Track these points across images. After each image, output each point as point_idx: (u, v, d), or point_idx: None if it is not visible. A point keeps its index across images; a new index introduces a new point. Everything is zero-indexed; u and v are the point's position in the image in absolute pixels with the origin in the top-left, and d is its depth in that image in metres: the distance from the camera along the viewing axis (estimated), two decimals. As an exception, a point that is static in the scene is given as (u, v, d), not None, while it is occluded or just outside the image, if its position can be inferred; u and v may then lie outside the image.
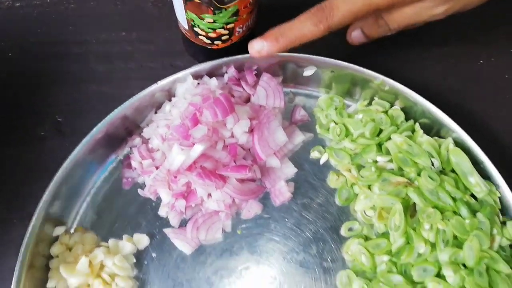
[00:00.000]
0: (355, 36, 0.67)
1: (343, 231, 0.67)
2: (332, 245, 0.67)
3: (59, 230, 0.62)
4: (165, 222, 0.67)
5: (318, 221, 0.68)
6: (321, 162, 0.71)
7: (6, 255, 0.66)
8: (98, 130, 0.66)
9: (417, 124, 0.69)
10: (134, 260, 0.64)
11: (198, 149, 0.61)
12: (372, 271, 0.63)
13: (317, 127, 0.73)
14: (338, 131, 0.71)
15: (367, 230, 0.66)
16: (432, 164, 0.64)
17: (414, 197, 0.61)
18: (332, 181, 0.70)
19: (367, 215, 0.67)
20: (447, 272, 0.56)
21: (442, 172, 0.64)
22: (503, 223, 0.61)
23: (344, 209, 0.69)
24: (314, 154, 0.71)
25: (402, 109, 0.71)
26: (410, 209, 0.63)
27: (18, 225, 0.67)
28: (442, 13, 0.61)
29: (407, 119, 0.70)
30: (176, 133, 0.63)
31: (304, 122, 0.73)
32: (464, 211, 0.59)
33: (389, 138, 0.68)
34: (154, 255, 0.65)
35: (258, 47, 0.61)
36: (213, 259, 0.66)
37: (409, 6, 0.60)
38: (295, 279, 0.65)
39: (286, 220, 0.68)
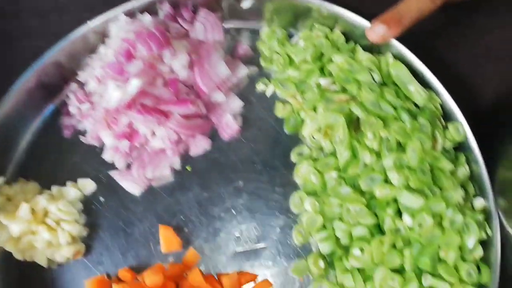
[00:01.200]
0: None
1: (293, 157, 0.67)
2: (284, 172, 0.67)
3: (-2, 181, 0.60)
4: (112, 166, 0.65)
5: (268, 150, 0.68)
6: (268, 94, 0.70)
7: None
8: (29, 78, 0.63)
9: (357, 45, 0.69)
10: (81, 206, 0.63)
11: (134, 83, 0.60)
12: (322, 189, 0.63)
13: (261, 60, 0.72)
14: (281, 61, 0.70)
15: (316, 153, 0.66)
16: (373, 79, 0.64)
17: (356, 110, 0.61)
18: (279, 110, 0.69)
19: (315, 139, 0.67)
20: (392, 175, 0.57)
21: (383, 85, 0.65)
22: (446, 128, 0.62)
23: (293, 137, 0.69)
24: (260, 86, 0.71)
25: (343, 33, 0.71)
26: (354, 124, 0.63)
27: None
28: None
29: (348, 42, 0.70)
30: (110, 70, 0.61)
31: (248, 57, 0.72)
32: (405, 116, 0.59)
33: (331, 61, 0.68)
34: (102, 199, 0.64)
35: (380, 31, 0.61)
36: (163, 197, 0.64)
37: None
38: (249, 207, 0.64)
39: (236, 153, 0.67)
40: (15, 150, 0.65)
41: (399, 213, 0.58)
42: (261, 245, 0.63)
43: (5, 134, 0.63)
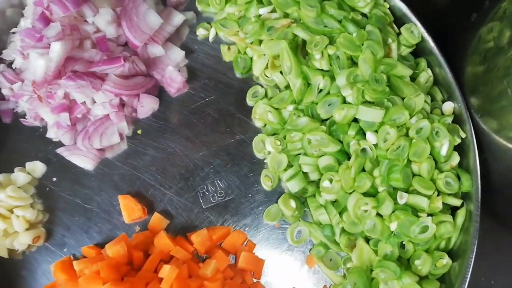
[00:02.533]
0: None
1: (248, 99, 0.62)
2: (242, 117, 0.62)
3: None
4: (59, 144, 0.61)
5: (221, 98, 0.63)
6: (210, 38, 0.65)
7: None
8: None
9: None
10: (34, 190, 0.59)
11: (55, 47, 0.55)
12: (281, 126, 0.58)
13: (196, 4, 0.67)
14: (217, 0, 0.65)
15: (271, 91, 0.62)
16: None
17: (299, 32, 0.56)
18: (225, 54, 0.64)
19: (267, 76, 0.62)
20: (345, 92, 0.52)
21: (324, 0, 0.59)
22: (400, 34, 0.57)
23: (245, 80, 0.64)
24: (200, 32, 0.65)
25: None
26: (300, 49, 0.58)
27: None
28: None
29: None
30: (28, 38, 0.56)
31: (183, 4, 0.67)
32: (350, 27, 0.54)
33: (268, -12, 0.62)
34: (54, 179, 0.60)
35: None
36: (118, 167, 0.60)
37: None
38: (210, 162, 0.60)
39: (188, 107, 0.63)
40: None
41: (363, 134, 0.54)
42: (228, 197, 0.59)
43: None
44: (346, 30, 0.54)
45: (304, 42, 0.58)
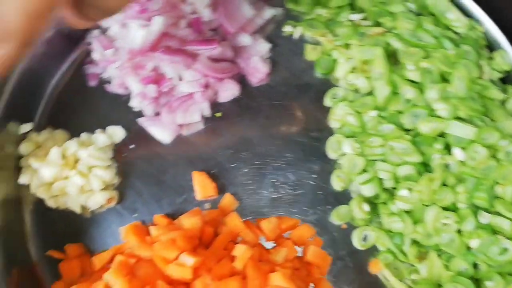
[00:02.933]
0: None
1: (328, 100, 0.64)
2: (318, 116, 0.64)
3: (26, 127, 0.58)
4: (139, 114, 0.63)
5: (300, 94, 0.65)
6: (296, 36, 0.67)
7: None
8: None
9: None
10: (111, 154, 0.61)
11: (157, 21, 0.57)
12: (361, 130, 0.60)
13: (286, 1, 0.69)
14: (308, 1, 0.67)
15: (351, 95, 0.63)
16: (409, 10, 0.61)
17: (394, 42, 0.58)
18: (309, 53, 0.66)
19: (349, 80, 0.64)
20: (439, 105, 0.53)
21: (419, 15, 0.61)
22: (492, 59, 0.59)
23: (324, 80, 0.65)
24: (287, 29, 0.67)
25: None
26: (391, 58, 0.60)
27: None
28: None
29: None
30: (132, 10, 0.58)
31: (272, -1, 0.69)
32: (447, 43, 0.55)
33: (362, -4, 0.65)
34: (132, 146, 0.62)
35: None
36: (195, 144, 0.62)
37: None
38: (283, 153, 0.62)
39: (267, 98, 0.64)
40: (41, 100, 0.62)
41: (447, 148, 0.55)
42: (298, 191, 0.60)
43: (31, 84, 0.61)
44: (442, 46, 0.56)
45: (394, 51, 0.60)
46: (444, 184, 0.53)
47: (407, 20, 0.57)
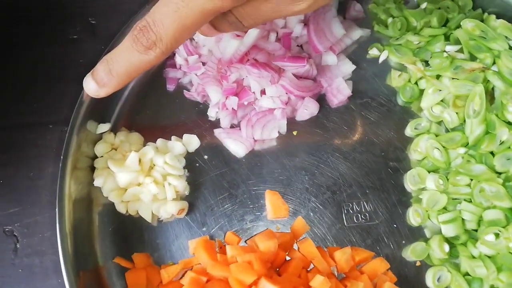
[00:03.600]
0: (204, 29, 0.49)
1: (409, 130, 0.61)
2: (398, 145, 0.61)
3: (103, 128, 0.57)
4: (215, 124, 0.62)
5: (381, 120, 0.62)
6: (381, 60, 0.65)
7: (44, 159, 0.61)
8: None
9: (485, 13, 0.63)
10: (185, 162, 0.59)
11: (253, 33, 0.55)
12: (446, 167, 0.57)
13: (374, 24, 0.66)
14: (398, 25, 0.64)
15: (435, 127, 0.61)
16: (510, 48, 0.58)
17: (494, 80, 0.55)
18: (393, 79, 0.64)
19: (434, 112, 0.61)
20: (539, 152, 0.51)
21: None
22: None
23: (406, 109, 0.63)
24: (372, 51, 0.65)
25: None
26: (488, 96, 0.57)
27: (53, 130, 0.62)
28: (305, 9, 0.46)
29: (474, 8, 0.64)
30: (227, 19, 0.57)
31: (360, 19, 0.67)
32: (553, 89, 0.53)
33: (458, 26, 0.62)
34: (206, 157, 0.60)
35: (92, 89, 0.46)
36: (268, 160, 0.60)
37: (263, 2, 0.44)
38: (359, 180, 0.60)
39: (345, 121, 0.62)
40: (119, 101, 0.61)
41: (541, 197, 0.52)
42: (372, 222, 0.58)
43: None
44: (546, 90, 0.53)
45: (491, 90, 0.57)
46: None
47: (510, 59, 0.54)
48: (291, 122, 0.62)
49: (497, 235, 0.52)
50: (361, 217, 0.58)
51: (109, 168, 0.55)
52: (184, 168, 0.59)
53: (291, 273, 0.51)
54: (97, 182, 0.55)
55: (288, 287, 0.49)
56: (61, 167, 0.54)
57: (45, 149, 0.62)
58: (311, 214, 0.58)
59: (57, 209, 0.53)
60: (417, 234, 0.58)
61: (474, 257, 0.53)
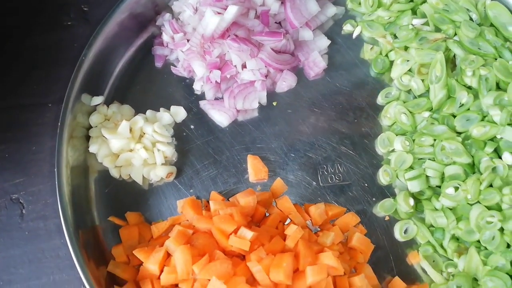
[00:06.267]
0: None
1: (380, 98, 0.66)
2: (369, 112, 0.66)
3: (97, 100, 0.63)
4: (201, 97, 0.67)
5: (354, 90, 0.67)
6: (354, 35, 0.70)
7: (44, 135, 0.66)
8: (122, 9, 0.64)
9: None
10: (173, 132, 0.65)
11: (232, 10, 0.60)
12: (412, 129, 0.62)
13: (347, 1, 0.71)
14: (370, 2, 0.69)
15: (404, 95, 0.66)
16: (471, 19, 0.63)
17: (455, 48, 0.60)
18: (366, 52, 0.69)
19: (403, 82, 0.66)
20: (493, 111, 0.56)
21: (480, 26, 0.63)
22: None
23: (377, 79, 0.68)
24: (346, 27, 0.70)
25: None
26: (449, 63, 0.62)
27: (52, 108, 0.68)
28: None
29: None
30: (209, -3, 0.62)
31: (334, -2, 0.72)
32: (507, 54, 0.57)
33: (424, 1, 0.67)
34: (192, 127, 0.66)
35: None
36: (250, 129, 0.65)
37: None
38: (333, 145, 0.65)
39: (322, 92, 0.67)
40: (111, 77, 0.67)
41: (496, 152, 0.57)
42: (345, 182, 0.63)
43: (103, 61, 0.65)
44: (502, 56, 0.58)
45: (452, 58, 0.62)
46: (490, 185, 0.55)
47: (469, 29, 0.59)
48: (271, 94, 0.67)
49: (456, 189, 0.57)
50: (335, 177, 0.64)
51: (103, 136, 0.60)
52: (172, 137, 0.64)
53: (269, 225, 0.56)
54: (92, 149, 0.60)
55: (266, 236, 0.54)
56: (58, 134, 0.59)
57: (44, 126, 0.68)
58: (289, 176, 0.63)
59: (56, 173, 0.59)
60: (386, 193, 0.63)
61: (436, 210, 0.59)
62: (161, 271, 0.52)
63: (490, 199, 0.54)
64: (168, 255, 0.54)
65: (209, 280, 0.49)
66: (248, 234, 0.51)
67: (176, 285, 0.52)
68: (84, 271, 0.54)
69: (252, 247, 0.52)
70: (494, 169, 0.56)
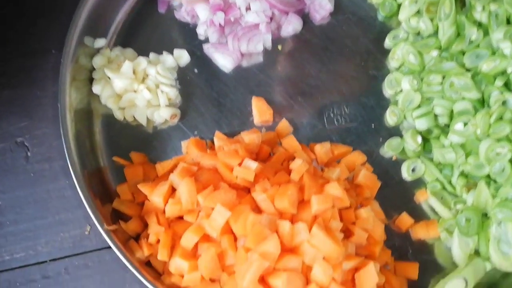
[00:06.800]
0: None
1: (388, 41, 0.65)
2: (377, 56, 0.65)
3: (100, 42, 0.62)
4: (204, 42, 0.66)
5: (361, 34, 0.66)
6: (361, -22, 0.69)
7: (48, 80, 0.66)
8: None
9: None
10: (176, 75, 0.64)
11: None
12: (420, 69, 0.61)
13: None
14: None
15: (412, 37, 0.64)
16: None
17: (464, -17, 0.59)
18: (373, -6, 0.67)
19: (411, 24, 0.65)
20: (504, 44, 0.54)
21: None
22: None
23: (385, 23, 0.66)
24: (353, -29, 0.69)
25: None
26: (458, 1, 0.60)
27: (56, 54, 0.67)
28: None
29: None
30: None
31: None
32: (518, -14, 0.56)
33: None
34: (196, 70, 0.65)
35: None
36: (255, 73, 0.64)
37: None
38: (340, 88, 0.63)
39: (328, 35, 0.66)
40: (114, 20, 0.66)
41: (506, 86, 0.56)
42: (352, 123, 0.62)
43: (103, 5, 0.64)
44: (512, -12, 0.56)
45: (462, -5, 0.60)
46: (499, 119, 0.54)
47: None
48: (277, 39, 0.66)
49: (465, 124, 0.55)
50: (341, 119, 0.63)
51: (106, 77, 0.60)
52: (175, 80, 0.64)
53: (274, 161, 0.56)
54: (95, 89, 0.60)
55: (271, 171, 0.53)
56: (60, 76, 0.59)
57: (49, 72, 0.67)
58: (295, 118, 0.63)
59: (59, 115, 0.58)
60: (393, 133, 0.62)
61: (445, 147, 0.57)
62: (166, 204, 0.52)
63: (499, 131, 0.53)
64: (172, 190, 0.54)
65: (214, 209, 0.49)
66: (252, 164, 0.50)
67: (181, 217, 0.52)
68: (91, 207, 0.54)
69: (256, 180, 0.52)
70: (504, 103, 0.55)
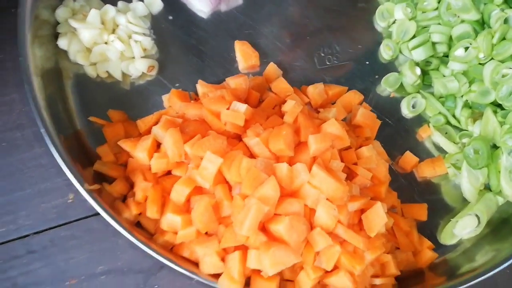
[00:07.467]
0: None
1: (376, -30, 0.60)
2: (366, -13, 0.61)
3: (62, -9, 0.56)
4: (178, -16, 0.61)
5: (347, -35, 0.61)
6: None
7: (9, 42, 0.59)
8: None
9: None
10: (149, 24, 0.58)
11: None
12: (412, -5, 0.57)
13: None
14: None
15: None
16: None
17: None
18: None
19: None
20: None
21: None
22: None
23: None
24: None
25: None
26: None
27: (16, 13, 0.60)
28: None
29: None
30: None
31: None
32: None
33: None
34: (170, 17, 0.59)
35: None
36: (235, 15, 0.59)
37: None
38: (329, 24, 0.59)
39: (311, -30, 0.61)
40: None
41: (506, 3, 0.52)
42: (344, 61, 0.58)
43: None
44: None
45: None
46: (502, 39, 0.50)
47: None
48: (257, -24, 0.61)
49: (466, 49, 0.52)
50: (333, 58, 0.58)
51: (72, 30, 0.54)
52: (150, 29, 0.58)
53: (265, 106, 0.52)
54: (61, 43, 0.54)
55: (262, 116, 0.49)
56: (18, 33, 0.53)
57: (9, 32, 0.60)
58: (283, 60, 0.58)
59: (24, 78, 0.53)
60: (389, 69, 0.58)
61: (446, 77, 0.54)
62: (151, 159, 0.48)
63: (504, 52, 0.50)
64: (157, 145, 0.49)
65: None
66: (241, 107, 0.46)
67: (169, 173, 0.48)
68: (72, 171, 0.49)
69: (247, 125, 0.47)
70: (506, 21, 0.51)
